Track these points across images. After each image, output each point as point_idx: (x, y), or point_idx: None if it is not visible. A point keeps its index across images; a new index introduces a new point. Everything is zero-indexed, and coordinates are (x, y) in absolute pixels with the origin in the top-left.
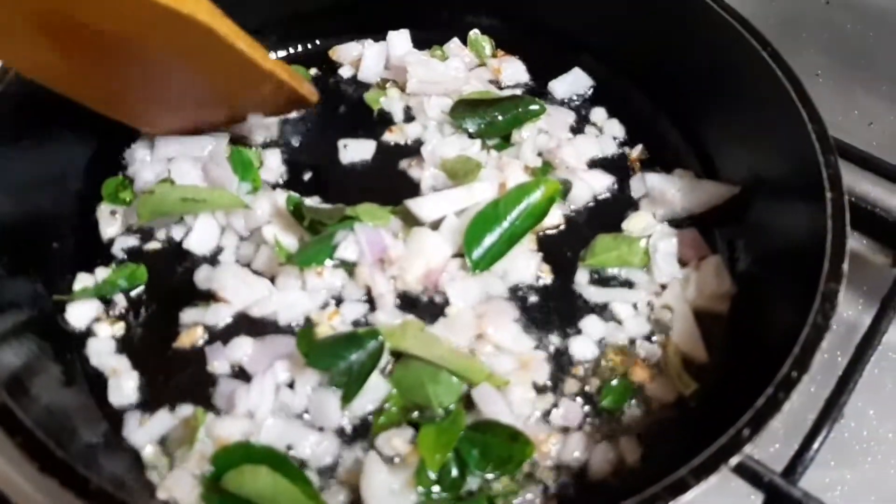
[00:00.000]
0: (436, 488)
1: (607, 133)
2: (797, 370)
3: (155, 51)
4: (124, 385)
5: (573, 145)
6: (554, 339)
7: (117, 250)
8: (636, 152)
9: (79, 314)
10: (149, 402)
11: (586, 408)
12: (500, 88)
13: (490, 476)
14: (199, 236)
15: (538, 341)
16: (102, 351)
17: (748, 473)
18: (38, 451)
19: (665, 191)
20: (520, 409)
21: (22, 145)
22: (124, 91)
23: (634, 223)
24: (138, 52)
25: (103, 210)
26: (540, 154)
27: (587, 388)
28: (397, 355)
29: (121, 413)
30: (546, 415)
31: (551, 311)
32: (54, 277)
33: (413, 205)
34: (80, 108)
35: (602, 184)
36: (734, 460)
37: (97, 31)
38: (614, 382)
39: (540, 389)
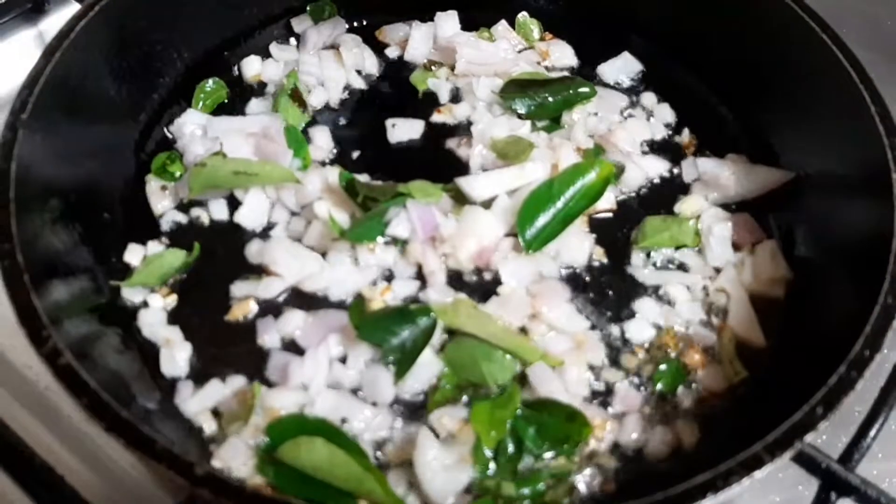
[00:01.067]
0: (491, 465)
1: (658, 117)
2: (869, 349)
3: None
4: (176, 356)
5: (625, 129)
6: (609, 321)
7: (167, 223)
8: (687, 136)
9: (134, 290)
10: (200, 373)
11: (642, 390)
12: (549, 72)
13: (547, 455)
14: (250, 211)
15: (593, 322)
16: (155, 322)
17: (804, 460)
18: (104, 412)
19: (718, 175)
20: (575, 389)
21: (74, 117)
22: None
23: (687, 206)
24: None
25: (153, 185)
26: (591, 136)
27: (643, 370)
28: (449, 333)
29: (173, 382)
30: (602, 396)
31: (605, 292)
32: (106, 248)
33: (465, 183)
34: (132, 80)
35: (656, 169)
36: (809, 437)
37: None
38: (668, 366)
39: (595, 370)
